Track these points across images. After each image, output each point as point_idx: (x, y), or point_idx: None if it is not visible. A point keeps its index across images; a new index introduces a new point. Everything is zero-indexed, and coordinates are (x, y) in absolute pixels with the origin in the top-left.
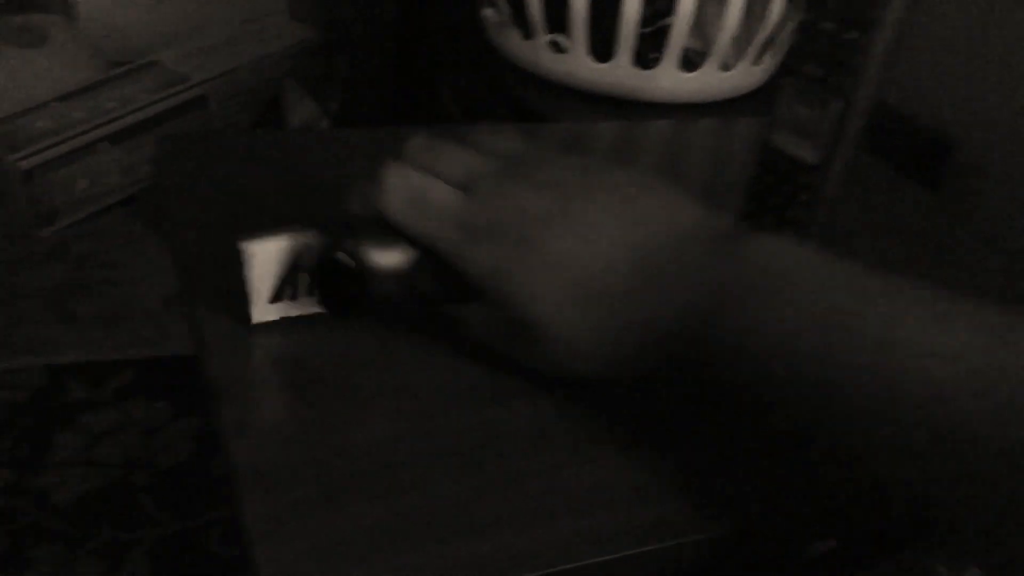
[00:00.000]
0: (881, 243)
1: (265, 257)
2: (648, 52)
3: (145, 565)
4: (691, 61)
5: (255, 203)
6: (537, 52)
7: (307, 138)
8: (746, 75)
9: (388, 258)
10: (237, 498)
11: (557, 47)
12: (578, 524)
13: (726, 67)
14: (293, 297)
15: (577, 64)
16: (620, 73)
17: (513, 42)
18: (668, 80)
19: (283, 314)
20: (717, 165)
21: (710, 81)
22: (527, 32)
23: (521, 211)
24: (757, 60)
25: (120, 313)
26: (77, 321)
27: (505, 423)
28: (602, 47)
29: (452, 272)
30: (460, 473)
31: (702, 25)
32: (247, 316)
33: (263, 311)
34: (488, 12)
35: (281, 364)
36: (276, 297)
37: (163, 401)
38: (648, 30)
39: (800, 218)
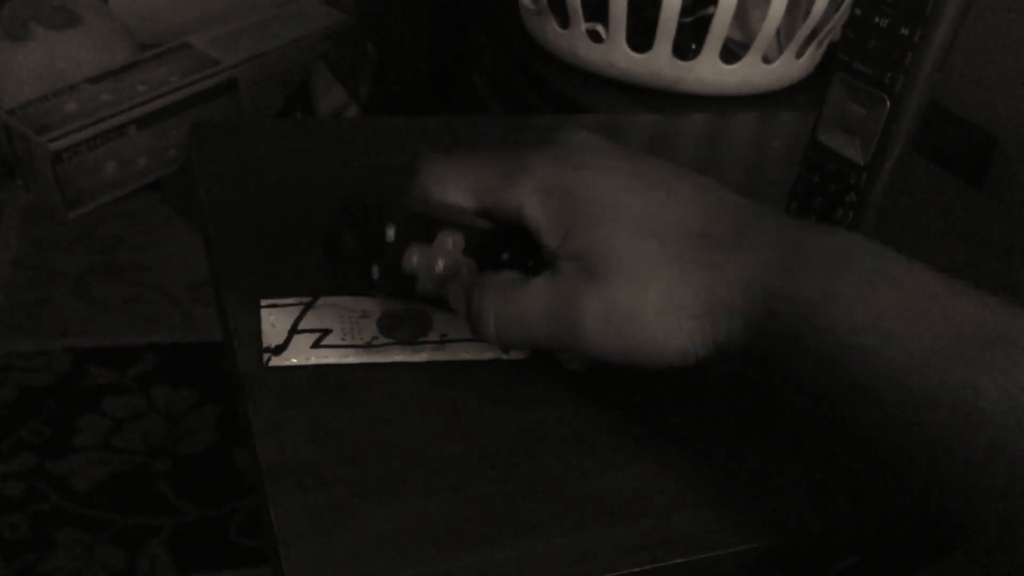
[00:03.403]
0: (924, 240)
1: (278, 318)
2: (688, 43)
3: (165, 552)
4: (731, 52)
5: (287, 192)
6: (574, 41)
7: (340, 127)
8: (788, 68)
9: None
10: (264, 498)
11: (595, 36)
12: (612, 532)
13: (767, 59)
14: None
15: (615, 54)
16: (659, 63)
17: (550, 30)
18: (708, 71)
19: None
20: (759, 161)
21: (751, 73)
22: (564, 20)
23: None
24: (800, 53)
25: (145, 298)
26: (102, 305)
27: (541, 425)
28: (641, 37)
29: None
30: (494, 476)
31: (744, 16)
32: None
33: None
34: None
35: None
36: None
37: (186, 388)
38: (688, 20)
39: (846, 219)
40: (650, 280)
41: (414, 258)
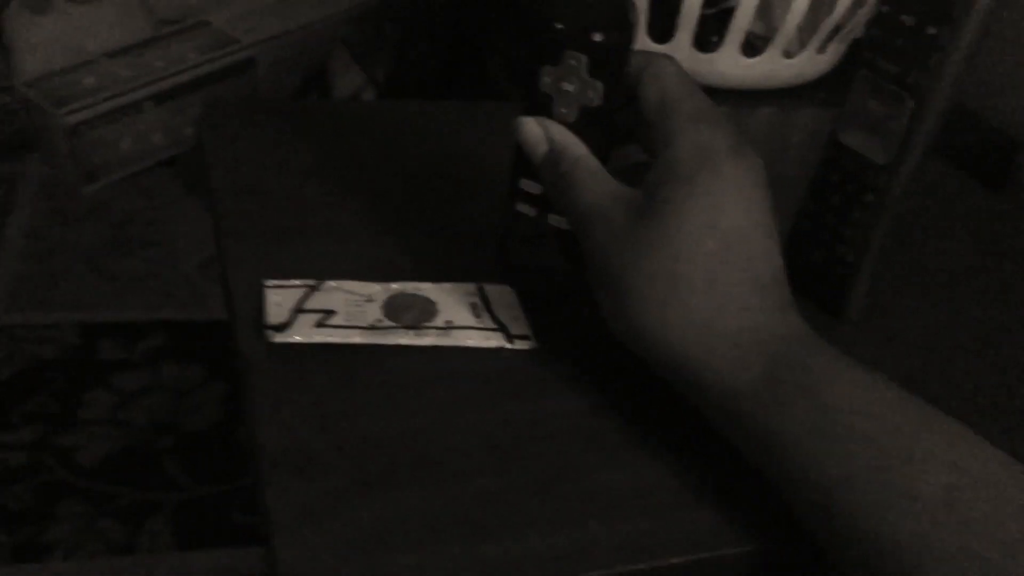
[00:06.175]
0: (941, 244)
1: (282, 298)
2: (709, 35)
3: (166, 528)
4: (752, 46)
5: (297, 175)
6: None
7: (351, 110)
8: (810, 63)
9: None
10: (261, 484)
11: None
12: (611, 530)
13: (788, 54)
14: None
15: (635, 43)
16: (679, 55)
17: None
18: (728, 64)
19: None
20: (778, 157)
21: (772, 67)
22: None
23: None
24: (822, 48)
25: (157, 274)
26: (114, 280)
27: (545, 418)
28: (662, 27)
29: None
30: (493, 470)
31: (766, 9)
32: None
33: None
34: None
35: (316, 346)
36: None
37: (194, 365)
38: (711, 11)
39: (864, 220)
40: (682, 264)
41: (547, 79)
